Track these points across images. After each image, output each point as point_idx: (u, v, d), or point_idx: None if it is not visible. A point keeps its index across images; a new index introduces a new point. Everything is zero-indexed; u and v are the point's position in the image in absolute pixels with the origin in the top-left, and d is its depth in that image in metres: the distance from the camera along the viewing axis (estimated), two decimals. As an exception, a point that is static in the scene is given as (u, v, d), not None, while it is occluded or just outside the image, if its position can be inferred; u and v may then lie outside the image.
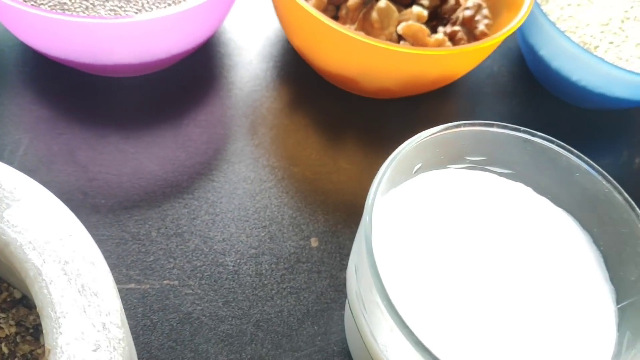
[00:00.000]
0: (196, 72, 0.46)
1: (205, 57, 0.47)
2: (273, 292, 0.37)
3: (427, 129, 0.29)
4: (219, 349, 0.35)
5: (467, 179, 0.31)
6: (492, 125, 0.30)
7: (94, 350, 0.23)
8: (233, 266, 0.38)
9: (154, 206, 0.39)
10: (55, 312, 0.23)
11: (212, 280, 0.37)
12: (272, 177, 0.42)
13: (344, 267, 0.39)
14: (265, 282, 0.37)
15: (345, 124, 0.45)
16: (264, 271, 0.38)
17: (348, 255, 0.39)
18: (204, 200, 0.40)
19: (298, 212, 0.41)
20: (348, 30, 0.38)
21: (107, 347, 0.23)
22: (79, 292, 0.24)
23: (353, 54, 0.40)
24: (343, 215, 0.41)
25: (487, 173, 0.32)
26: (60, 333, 0.23)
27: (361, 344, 0.28)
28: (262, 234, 0.39)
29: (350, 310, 0.28)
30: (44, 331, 0.24)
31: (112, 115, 0.43)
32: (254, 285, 0.37)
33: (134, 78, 0.44)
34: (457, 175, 0.31)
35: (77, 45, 0.38)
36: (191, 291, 0.36)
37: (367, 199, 0.26)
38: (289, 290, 0.37)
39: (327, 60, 0.43)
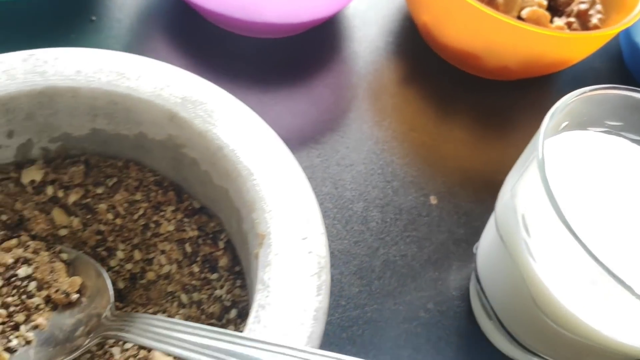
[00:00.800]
0: (325, 41, 0.50)
1: (334, 28, 0.51)
2: (397, 238, 0.40)
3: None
4: (352, 280, 0.38)
5: (606, 142, 0.34)
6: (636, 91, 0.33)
7: (303, 239, 0.26)
8: (361, 212, 0.41)
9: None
10: (267, 205, 0.27)
11: (344, 222, 0.40)
12: (394, 139, 0.45)
13: (461, 224, 0.42)
14: (390, 229, 0.41)
15: (458, 100, 0.49)
16: (388, 220, 0.41)
17: (465, 214, 0.42)
18: (334, 152, 0.44)
19: (418, 172, 0.44)
20: (481, 5, 0.41)
21: (313, 237, 0.27)
22: (285, 192, 0.28)
23: (482, 29, 0.43)
24: (460, 178, 0.44)
25: (622, 139, 0.35)
26: (272, 223, 0.27)
27: (502, 279, 0.31)
28: (387, 188, 0.43)
29: (502, 241, 0.31)
30: (256, 221, 0.27)
31: (252, 71, 0.47)
32: (380, 230, 0.41)
33: (269, 40, 0.48)
34: (596, 138, 0.34)
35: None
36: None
37: (536, 140, 0.29)
38: (411, 238, 0.41)
39: (454, 34, 0.46)
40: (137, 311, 0.30)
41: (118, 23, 0.47)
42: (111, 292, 0.28)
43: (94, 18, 0.46)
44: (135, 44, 0.46)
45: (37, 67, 0.28)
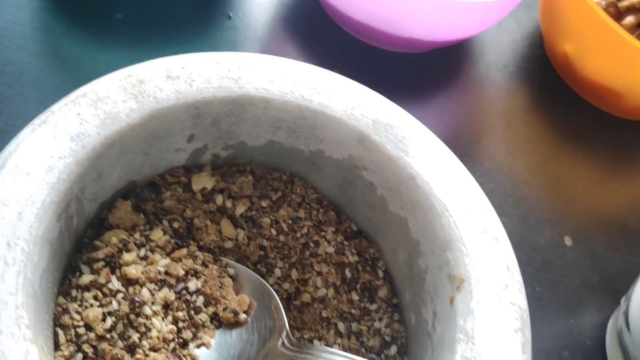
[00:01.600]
0: (456, 61, 0.48)
1: (465, 49, 0.49)
2: (533, 279, 0.39)
3: None
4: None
5: None
6: None
7: (504, 288, 0.25)
8: (496, 246, 0.40)
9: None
10: (465, 247, 0.26)
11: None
12: (528, 171, 0.43)
13: (595, 270, 0.40)
14: (526, 268, 0.39)
15: (591, 135, 0.47)
16: (524, 258, 0.39)
17: (599, 260, 0.41)
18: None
19: (552, 209, 0.42)
20: (636, 40, 0.39)
21: (513, 286, 0.25)
22: (482, 232, 0.26)
23: (634, 65, 0.41)
24: (593, 220, 0.42)
25: None
26: (473, 266, 0.25)
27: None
28: (522, 224, 0.41)
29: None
30: (452, 262, 0.26)
31: (380, 84, 0.45)
32: (515, 268, 0.39)
33: (399, 54, 0.47)
34: None
35: (384, 12, 0.41)
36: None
37: None
38: (546, 280, 0.39)
39: (598, 68, 0.44)
40: (293, 334, 0.29)
41: (254, 22, 0.45)
42: (284, 317, 0.27)
43: (230, 14, 0.45)
44: (271, 45, 0.45)
45: (231, 72, 0.27)
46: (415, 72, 0.47)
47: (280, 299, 0.30)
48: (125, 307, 0.25)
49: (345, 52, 0.46)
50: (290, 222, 0.30)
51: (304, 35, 0.46)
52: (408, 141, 0.28)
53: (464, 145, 0.44)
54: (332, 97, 0.28)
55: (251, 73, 0.28)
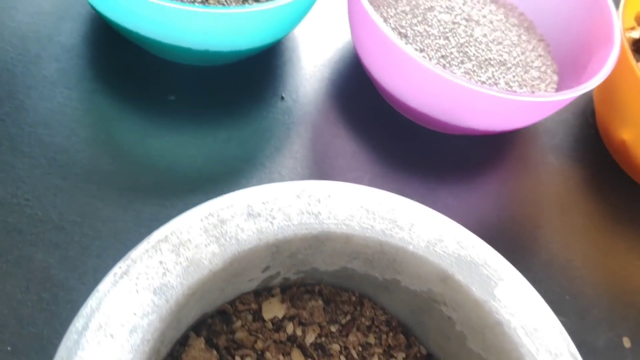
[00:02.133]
0: (507, 144, 0.47)
1: (516, 132, 0.48)
2: (593, 386, 0.38)
3: None
4: None
5: None
6: None
7: None
8: (556, 350, 0.38)
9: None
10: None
11: None
12: (585, 265, 0.42)
13: (657, 375, 0.39)
14: (585, 373, 0.38)
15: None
16: (583, 362, 0.38)
17: (660, 363, 0.39)
18: (522, 268, 0.41)
19: (610, 306, 0.41)
20: None
21: None
22: (573, 388, 0.25)
23: None
24: (653, 320, 0.41)
25: None
26: None
27: None
28: (580, 323, 0.40)
29: None
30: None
31: (428, 164, 0.44)
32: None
33: (453, 137, 0.46)
34: None
35: (443, 104, 0.40)
36: None
37: None
38: (607, 387, 0.38)
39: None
40: None
41: (307, 103, 0.44)
42: None
43: (283, 95, 0.44)
44: (324, 128, 0.44)
45: (311, 207, 0.26)
46: (467, 154, 0.46)
47: None
48: None
49: (398, 132, 0.45)
50: (360, 348, 0.29)
51: (356, 116, 0.45)
52: (494, 282, 0.27)
53: (519, 235, 0.43)
54: (413, 232, 0.27)
55: (331, 207, 0.27)
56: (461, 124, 0.42)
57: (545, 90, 0.45)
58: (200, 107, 0.42)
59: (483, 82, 0.43)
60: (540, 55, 0.47)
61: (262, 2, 0.42)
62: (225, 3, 0.40)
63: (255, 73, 0.45)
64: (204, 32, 0.38)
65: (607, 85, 0.44)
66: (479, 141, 0.46)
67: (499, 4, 0.50)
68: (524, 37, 0.48)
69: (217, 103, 0.43)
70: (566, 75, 0.47)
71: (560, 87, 0.46)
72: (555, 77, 0.47)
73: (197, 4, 0.40)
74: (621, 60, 0.42)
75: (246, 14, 0.36)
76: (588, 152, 0.48)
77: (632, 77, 0.42)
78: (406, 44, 0.43)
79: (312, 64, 0.47)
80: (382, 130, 0.45)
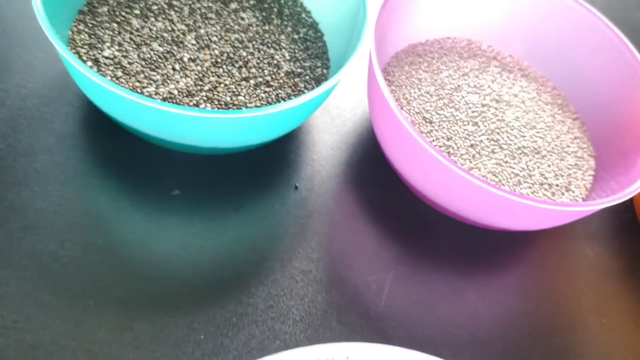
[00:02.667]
0: (536, 233, 0.43)
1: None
2: None
3: None
4: None
5: None
6: None
7: None
8: None
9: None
10: None
11: None
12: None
13: None
14: None
15: None
16: None
17: None
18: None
19: None
20: None
21: None
22: None
23: None
24: None
25: None
26: None
27: None
28: None
29: None
30: None
31: (467, 265, 0.40)
32: None
33: (479, 229, 0.42)
34: None
35: (469, 205, 0.36)
36: None
37: None
38: None
39: None
40: None
41: (323, 193, 0.41)
42: None
43: (297, 185, 0.41)
44: (341, 222, 0.40)
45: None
46: (497, 247, 0.42)
47: None
48: None
49: (421, 223, 0.41)
50: None
51: (376, 205, 0.41)
52: None
53: (554, 343, 0.39)
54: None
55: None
56: (488, 223, 0.38)
57: (583, 179, 0.41)
58: (206, 201, 0.38)
59: (516, 175, 0.39)
60: (576, 138, 0.43)
61: (273, 103, 0.38)
62: (231, 102, 0.37)
63: (267, 160, 0.41)
64: (212, 133, 0.34)
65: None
66: (508, 233, 0.42)
67: (529, 78, 0.46)
68: (558, 117, 0.44)
69: (225, 196, 0.39)
70: (604, 157, 0.43)
71: (598, 174, 0.42)
72: (592, 163, 0.43)
73: (202, 105, 0.36)
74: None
75: (257, 117, 0.33)
76: (627, 242, 0.44)
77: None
78: (432, 131, 0.40)
79: (327, 147, 0.43)
80: (404, 220, 0.41)
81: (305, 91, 0.40)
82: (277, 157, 0.41)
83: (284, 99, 0.38)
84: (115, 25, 0.39)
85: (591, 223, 0.45)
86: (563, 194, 0.40)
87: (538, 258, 0.42)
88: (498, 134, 0.40)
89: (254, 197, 0.39)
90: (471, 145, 0.39)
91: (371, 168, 0.43)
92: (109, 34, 0.38)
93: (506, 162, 0.39)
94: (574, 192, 0.40)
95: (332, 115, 0.45)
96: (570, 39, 0.46)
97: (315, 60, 0.42)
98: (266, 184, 0.40)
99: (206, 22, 0.41)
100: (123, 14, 0.39)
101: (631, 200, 0.46)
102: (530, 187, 0.39)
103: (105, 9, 0.40)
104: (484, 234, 0.42)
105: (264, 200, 0.39)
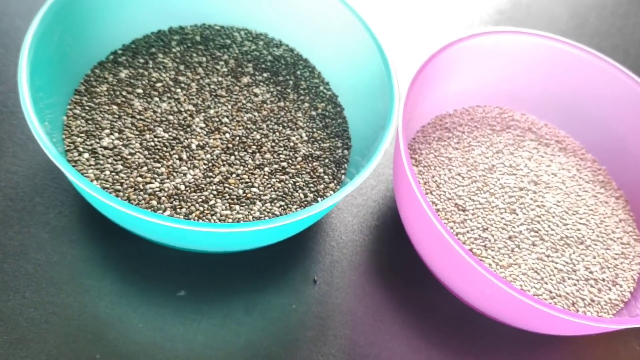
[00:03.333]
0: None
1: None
2: None
3: None
4: None
5: None
6: None
7: None
8: None
9: None
10: None
11: None
12: None
13: None
14: None
15: None
16: None
17: None
18: None
19: None
20: None
21: None
22: None
23: None
24: None
25: None
26: None
27: None
28: None
29: None
30: None
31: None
32: None
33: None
34: None
35: (507, 310, 0.32)
36: None
37: None
38: None
39: None
40: None
41: (343, 287, 0.37)
42: None
43: (316, 279, 0.37)
44: (365, 319, 0.36)
45: None
46: (536, 347, 0.38)
47: None
48: None
49: (452, 319, 0.37)
50: None
51: (403, 299, 0.37)
52: None
53: None
54: None
55: None
56: (522, 327, 0.34)
57: (630, 270, 0.37)
58: (215, 303, 0.35)
59: (559, 270, 0.35)
60: (620, 221, 0.39)
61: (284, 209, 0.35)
62: (243, 195, 0.33)
63: (282, 252, 0.37)
64: (219, 242, 0.31)
65: None
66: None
67: (567, 151, 0.42)
68: (601, 197, 0.40)
69: (236, 296, 0.35)
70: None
71: (646, 261, 0.39)
72: (639, 249, 0.39)
73: (211, 201, 0.32)
74: None
75: (269, 230, 0.29)
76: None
77: None
78: (465, 220, 0.36)
79: (348, 231, 0.39)
80: (437, 319, 0.37)
81: (325, 177, 0.36)
82: (293, 248, 0.38)
83: (301, 188, 0.35)
84: (115, 107, 0.35)
85: None
86: (610, 289, 0.36)
87: (581, 354, 0.38)
88: (538, 222, 0.36)
89: (268, 295, 0.36)
90: (510, 237, 0.36)
91: (397, 255, 0.39)
92: (108, 119, 0.34)
93: (548, 256, 0.35)
94: (621, 286, 0.36)
95: (352, 194, 0.41)
96: (610, 106, 0.42)
97: (335, 139, 0.38)
98: (281, 280, 0.36)
99: (216, 100, 0.37)
100: (124, 93, 0.36)
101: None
102: (575, 284, 0.35)
103: (104, 87, 0.36)
104: (527, 335, 0.38)
105: (279, 298, 0.36)
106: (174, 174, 0.33)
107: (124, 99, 0.36)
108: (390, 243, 0.39)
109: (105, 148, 0.33)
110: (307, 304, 0.36)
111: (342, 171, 0.37)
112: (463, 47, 0.39)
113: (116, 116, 0.35)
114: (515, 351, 0.37)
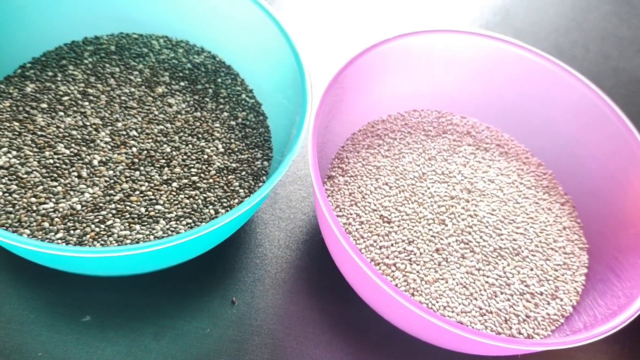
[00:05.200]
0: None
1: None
2: None
3: None
4: None
5: None
6: None
7: None
8: None
9: None
10: None
11: None
12: None
13: None
14: None
15: None
16: None
17: None
18: None
19: None
20: None
21: None
22: None
23: None
24: None
25: None
26: None
27: None
28: None
29: None
30: None
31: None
32: None
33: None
34: None
35: (430, 335, 0.30)
36: None
37: None
38: None
39: None
40: None
41: (263, 307, 0.35)
42: None
43: (234, 300, 0.35)
44: (287, 343, 0.34)
45: None
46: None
47: None
48: None
49: (386, 342, 0.35)
50: None
51: (330, 320, 0.35)
52: None
53: None
54: None
55: None
56: (446, 347, 0.32)
57: (573, 282, 0.35)
58: (122, 328, 0.32)
59: (491, 284, 0.33)
60: (565, 228, 0.37)
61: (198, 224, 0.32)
62: (145, 213, 0.31)
63: (198, 273, 0.35)
64: (113, 267, 0.29)
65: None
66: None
67: (509, 155, 0.40)
68: (543, 204, 0.37)
69: (145, 321, 0.33)
70: (601, 249, 0.37)
71: (594, 271, 0.36)
72: (584, 258, 0.36)
73: (109, 221, 0.30)
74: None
75: (163, 251, 0.27)
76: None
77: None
78: (390, 233, 0.33)
79: (274, 246, 0.37)
80: (364, 341, 0.34)
81: (241, 191, 0.34)
82: (211, 266, 0.36)
83: (212, 204, 0.33)
84: (16, 124, 0.33)
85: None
86: (549, 303, 0.33)
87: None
88: (469, 233, 0.34)
89: (181, 319, 0.33)
90: (437, 250, 0.33)
91: (324, 272, 0.36)
92: (7, 137, 0.33)
93: (479, 269, 0.33)
94: (562, 300, 0.34)
95: (280, 206, 0.39)
96: (556, 107, 0.40)
97: (254, 150, 0.36)
98: (196, 302, 0.34)
99: (126, 112, 0.35)
100: (27, 109, 0.34)
101: None
102: (508, 300, 0.33)
103: (7, 103, 0.34)
104: (461, 355, 0.35)
105: (193, 322, 0.33)
106: (71, 192, 0.31)
107: (26, 115, 0.34)
108: (318, 259, 0.37)
109: (1, 168, 0.31)
110: (223, 327, 0.34)
111: (261, 184, 0.35)
112: (390, 49, 0.37)
113: (16, 133, 0.33)
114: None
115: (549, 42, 0.54)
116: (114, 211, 0.31)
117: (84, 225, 0.30)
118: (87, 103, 0.35)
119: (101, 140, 0.34)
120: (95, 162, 0.33)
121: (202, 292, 0.35)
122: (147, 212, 0.31)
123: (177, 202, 0.32)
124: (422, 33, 0.38)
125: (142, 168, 0.33)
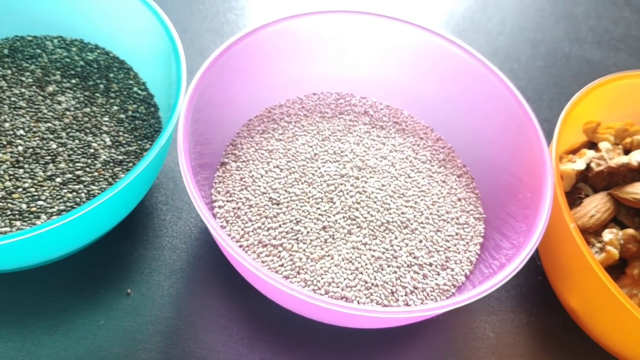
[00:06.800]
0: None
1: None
2: None
3: None
4: None
5: None
6: None
7: None
8: None
9: None
10: None
11: None
12: None
13: None
14: None
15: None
16: None
17: None
18: None
19: None
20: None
21: None
22: None
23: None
24: None
25: None
26: None
27: None
28: None
29: None
30: None
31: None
32: None
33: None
34: None
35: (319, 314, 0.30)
36: None
37: None
38: None
39: (604, 333, 0.33)
40: None
41: (160, 297, 0.35)
42: None
43: (129, 291, 0.35)
44: (185, 333, 0.34)
45: None
46: (371, 346, 0.36)
47: None
48: None
49: (279, 326, 0.35)
50: None
51: (219, 304, 0.35)
52: None
53: None
54: None
55: None
56: (335, 324, 0.32)
57: (467, 252, 0.35)
58: (14, 325, 0.33)
59: (377, 258, 0.33)
60: (460, 200, 0.37)
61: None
62: (27, 209, 0.32)
63: (93, 266, 0.35)
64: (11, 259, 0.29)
65: (547, 241, 0.34)
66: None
67: (407, 132, 0.40)
68: (437, 177, 0.38)
69: (39, 316, 0.33)
70: (497, 218, 0.37)
71: (487, 240, 0.36)
72: (480, 227, 0.37)
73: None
74: (555, 213, 0.33)
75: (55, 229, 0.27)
76: (536, 312, 0.38)
77: (569, 239, 0.32)
78: (278, 214, 0.34)
79: (170, 235, 0.37)
80: (257, 322, 0.35)
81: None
82: (107, 258, 0.36)
83: (95, 197, 0.33)
84: None
85: (491, 295, 0.38)
86: (438, 273, 0.34)
87: (429, 346, 0.36)
88: (357, 209, 0.34)
89: (75, 313, 0.34)
90: (323, 228, 0.33)
91: (221, 260, 0.37)
92: None
93: (365, 244, 0.33)
94: (452, 269, 0.34)
95: (180, 196, 0.39)
96: (453, 81, 0.40)
97: (143, 142, 0.36)
98: (91, 295, 0.34)
99: (14, 112, 0.35)
100: None
101: (540, 260, 0.40)
102: (395, 272, 0.33)
103: None
104: (352, 332, 0.35)
105: (87, 315, 0.34)
106: (-50, 194, 0.32)
107: None
108: (215, 247, 0.37)
109: None
110: (117, 318, 0.34)
111: (150, 174, 0.35)
112: (275, 32, 0.37)
113: None
114: (351, 348, 0.35)
115: (465, 20, 0.54)
116: (-6, 209, 0.31)
117: (-38, 224, 0.30)
118: (-27, 106, 0.35)
119: (-14, 142, 0.34)
120: (-23, 163, 0.33)
121: (97, 285, 0.35)
122: (28, 209, 0.32)
123: (59, 197, 0.33)
124: (313, 14, 0.38)
125: (26, 166, 0.33)
